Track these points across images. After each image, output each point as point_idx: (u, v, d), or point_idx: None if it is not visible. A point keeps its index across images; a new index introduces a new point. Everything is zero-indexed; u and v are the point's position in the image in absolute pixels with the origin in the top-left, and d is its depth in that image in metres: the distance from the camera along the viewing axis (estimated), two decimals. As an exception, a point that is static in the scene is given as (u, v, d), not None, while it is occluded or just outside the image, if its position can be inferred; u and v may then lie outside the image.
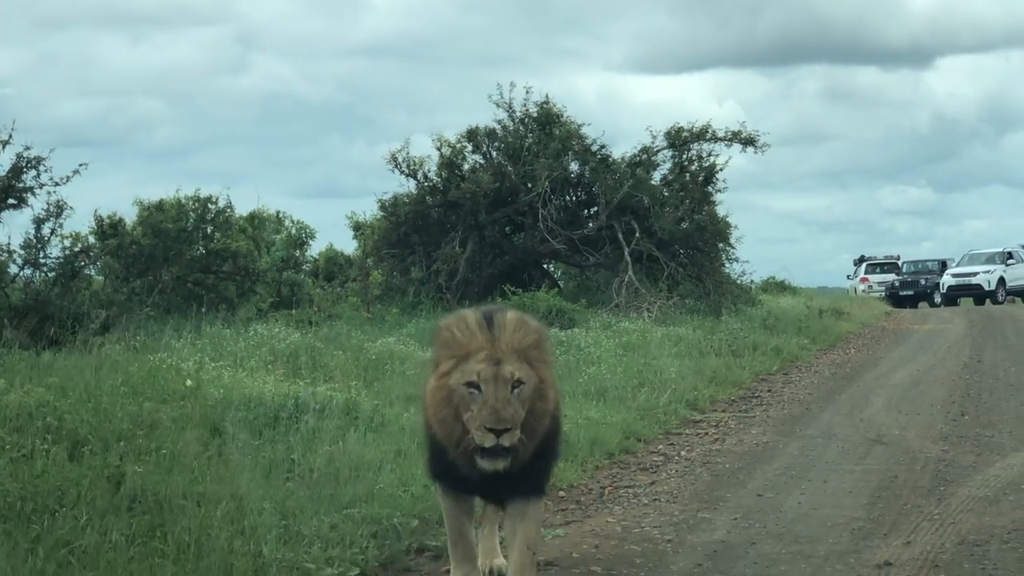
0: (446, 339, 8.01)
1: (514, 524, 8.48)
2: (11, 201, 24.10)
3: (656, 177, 39.16)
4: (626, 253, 36.01)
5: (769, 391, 23.66)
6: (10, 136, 23.82)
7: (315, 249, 40.45)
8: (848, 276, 73.56)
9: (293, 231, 40.10)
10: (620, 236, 36.44)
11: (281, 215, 39.33)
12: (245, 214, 34.54)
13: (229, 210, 32.56)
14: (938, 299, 60.97)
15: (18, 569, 8.58)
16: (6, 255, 25.60)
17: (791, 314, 38.24)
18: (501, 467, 7.70)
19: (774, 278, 55.65)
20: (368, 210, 43.92)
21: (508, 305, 9.28)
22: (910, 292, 62.60)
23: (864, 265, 71.35)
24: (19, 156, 23.91)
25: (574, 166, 38.41)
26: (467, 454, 7.79)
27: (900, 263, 69.36)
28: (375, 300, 33.91)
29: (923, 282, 63.25)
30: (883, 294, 63.13)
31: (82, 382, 15.75)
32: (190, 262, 31.16)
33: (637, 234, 36.29)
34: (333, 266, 39.74)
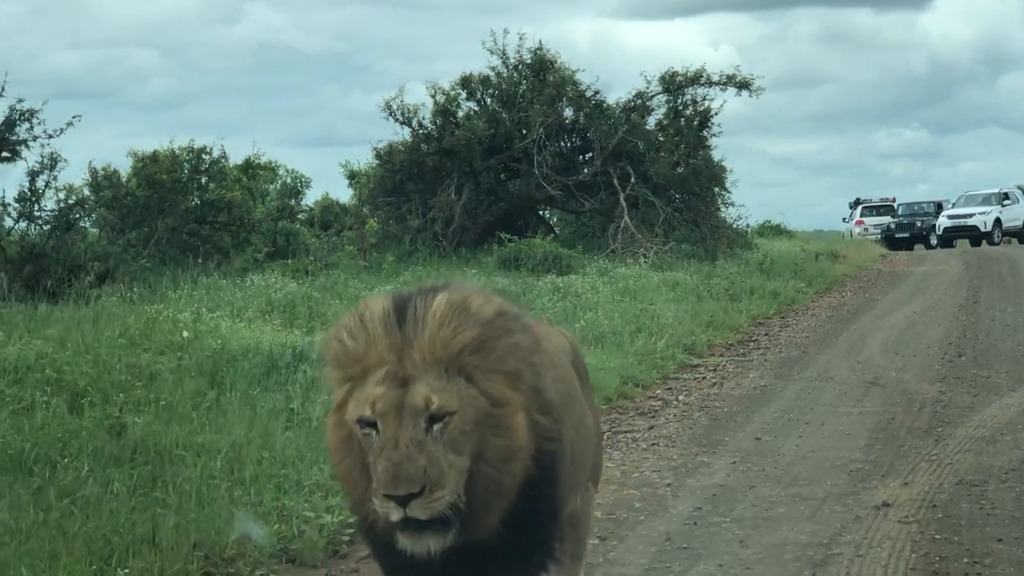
0: (336, 351, 5.09)
1: None
2: (5, 154, 24.06)
3: (651, 122, 39.12)
4: (622, 199, 35.98)
5: (766, 335, 23.70)
6: (2, 89, 23.77)
7: (310, 198, 40.49)
8: (844, 219, 73.50)
9: (288, 180, 40.08)
10: (615, 182, 36.41)
11: (275, 164, 39.26)
12: (239, 162, 34.35)
13: (223, 160, 32.49)
14: (934, 241, 60.91)
15: (21, 520, 8.62)
16: (1, 208, 25.58)
17: (787, 258, 38.25)
18: (433, 548, 4.92)
19: (770, 222, 55.71)
20: (363, 159, 44.00)
21: (457, 283, 5.46)
22: (906, 234, 62.53)
23: (860, 208, 71.24)
24: (12, 109, 23.90)
25: (568, 112, 38.35)
26: (388, 527, 4.96)
27: (896, 205, 69.25)
28: (371, 248, 33.90)
29: (919, 224, 63.16)
30: (879, 236, 63.04)
31: (80, 334, 15.78)
32: (185, 213, 31.09)
33: (632, 179, 36.25)
34: (329, 215, 39.71)
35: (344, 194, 42.45)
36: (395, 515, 4.77)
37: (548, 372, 5.36)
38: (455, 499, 4.83)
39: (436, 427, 4.76)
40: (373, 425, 4.82)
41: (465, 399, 4.84)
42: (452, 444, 4.80)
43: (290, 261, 29.54)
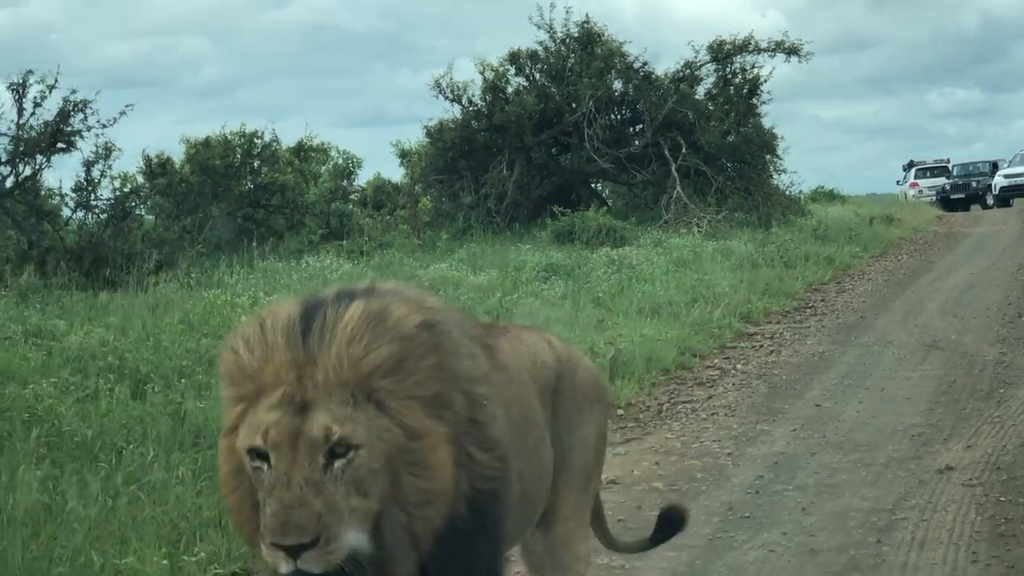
0: (229, 365, 4.33)
1: None
2: (60, 145, 24.24)
3: (700, 92, 38.95)
4: (673, 169, 35.88)
5: (823, 301, 23.62)
6: (56, 80, 23.93)
7: (362, 178, 40.50)
8: (898, 182, 73.05)
9: (340, 161, 40.13)
10: (666, 152, 36.32)
11: (327, 146, 39.31)
12: (291, 145, 34.48)
13: (275, 144, 32.60)
14: (990, 201, 60.37)
15: (90, 507, 8.72)
16: (58, 198, 25.82)
17: (841, 223, 38.06)
18: None
19: (823, 187, 55.36)
20: (414, 137, 43.99)
21: (392, 285, 4.71)
22: (961, 195, 62.02)
23: (914, 170, 70.75)
24: (66, 100, 24.04)
25: (617, 84, 38.26)
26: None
27: (950, 166, 68.72)
28: (425, 227, 33.94)
29: (974, 184, 62.61)
30: (934, 198, 62.63)
31: (140, 321, 15.93)
32: (239, 197, 31.22)
33: (683, 149, 36.15)
34: (381, 195, 39.73)
35: (396, 173, 42.45)
36: (284, 567, 4.05)
37: (494, 403, 4.60)
38: (358, 550, 4.13)
39: (337, 464, 4.05)
40: (265, 457, 4.10)
41: (375, 430, 4.10)
42: (356, 484, 4.08)
43: (344, 242, 29.62)
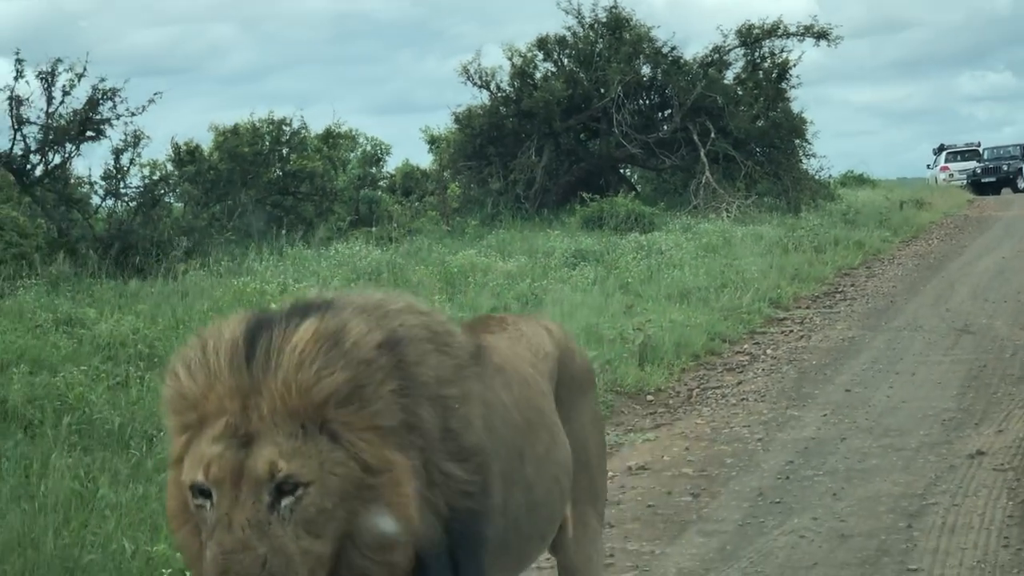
0: (171, 392, 3.92)
1: None
2: (89, 133, 24.30)
3: (729, 76, 38.87)
4: (702, 154, 35.83)
5: (852, 285, 23.56)
6: (85, 69, 23.99)
7: (391, 165, 40.51)
8: (928, 166, 72.65)
9: (368, 148, 40.15)
10: (695, 137, 36.25)
11: (355, 133, 39.32)
12: (320, 132, 34.55)
13: (304, 131, 32.65)
14: (1022, 184, 60.12)
15: (121, 494, 8.75)
16: (88, 187, 25.90)
17: (871, 207, 37.97)
18: None
19: (852, 172, 55.24)
20: (442, 123, 43.97)
21: (355, 297, 4.22)
22: (992, 179, 61.74)
23: (944, 154, 70.39)
24: (95, 88, 24.08)
25: (646, 69, 38.18)
26: None
27: (981, 150, 68.36)
28: (454, 213, 33.95)
29: (1005, 168, 62.30)
30: (964, 182, 62.31)
31: (170, 309, 15.99)
32: (267, 185, 31.26)
33: (712, 135, 36.08)
34: (410, 181, 39.73)
35: (424, 160, 42.43)
36: None
37: (470, 403, 4.19)
38: None
39: (284, 503, 3.63)
40: (207, 495, 3.69)
41: (328, 465, 3.67)
42: (307, 525, 3.65)
43: (373, 229, 29.64)
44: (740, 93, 38.16)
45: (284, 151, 32.36)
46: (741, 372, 15.36)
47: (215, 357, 3.80)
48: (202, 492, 3.69)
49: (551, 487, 4.90)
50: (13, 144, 23.77)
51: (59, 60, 23.96)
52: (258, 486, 3.62)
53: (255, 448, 3.65)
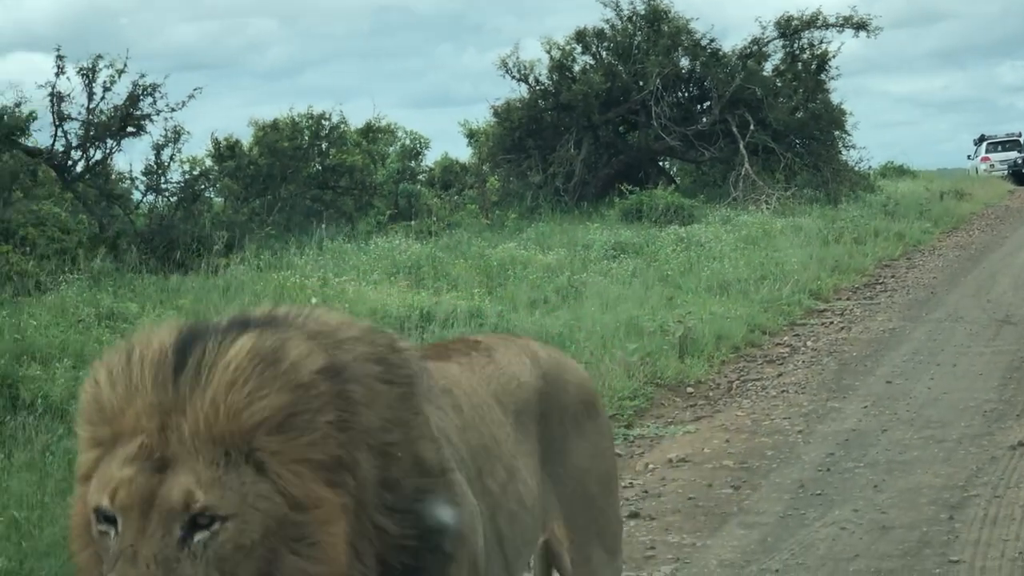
0: (87, 400, 3.49)
1: None
2: (130, 129, 24.45)
3: (768, 68, 38.83)
4: (741, 146, 35.76)
5: (893, 277, 23.48)
6: (125, 64, 24.13)
7: (430, 159, 40.57)
8: (968, 156, 72.22)
9: (407, 142, 40.20)
10: (734, 129, 36.19)
11: (394, 126, 39.38)
12: (360, 126, 34.67)
13: (343, 125, 32.76)
14: (1063, 175, 59.77)
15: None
16: (129, 182, 26.06)
17: (911, 198, 37.83)
18: None
19: (892, 163, 55.03)
20: (481, 117, 44.00)
21: (300, 312, 3.78)
22: (1034, 169, 61.38)
23: (985, 144, 69.94)
24: (135, 84, 24.24)
25: (684, 62, 38.15)
26: None
27: (1022, 140, 67.96)
28: (493, 206, 33.97)
29: (1047, 158, 61.96)
30: (1005, 173, 61.94)
31: (211, 304, 16.06)
32: (307, 179, 31.37)
33: (751, 126, 36.01)
34: (449, 175, 39.75)
35: (463, 153, 42.44)
36: None
37: (425, 426, 3.80)
38: None
39: (198, 537, 3.21)
40: (112, 521, 3.26)
41: (250, 498, 3.26)
42: (221, 564, 3.23)
43: (413, 222, 29.69)
44: (779, 85, 38.12)
45: (323, 145, 32.47)
46: (781, 364, 15.33)
47: (139, 367, 3.39)
48: (107, 518, 3.27)
49: (512, 522, 4.45)
50: (55, 140, 23.98)
51: (100, 56, 24.19)
52: (170, 517, 3.21)
53: (170, 474, 3.24)
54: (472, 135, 41.46)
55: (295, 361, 3.37)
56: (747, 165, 35.24)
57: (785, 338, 17.11)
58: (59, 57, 23.72)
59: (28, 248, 20.77)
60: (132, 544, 3.18)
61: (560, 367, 5.09)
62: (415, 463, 3.68)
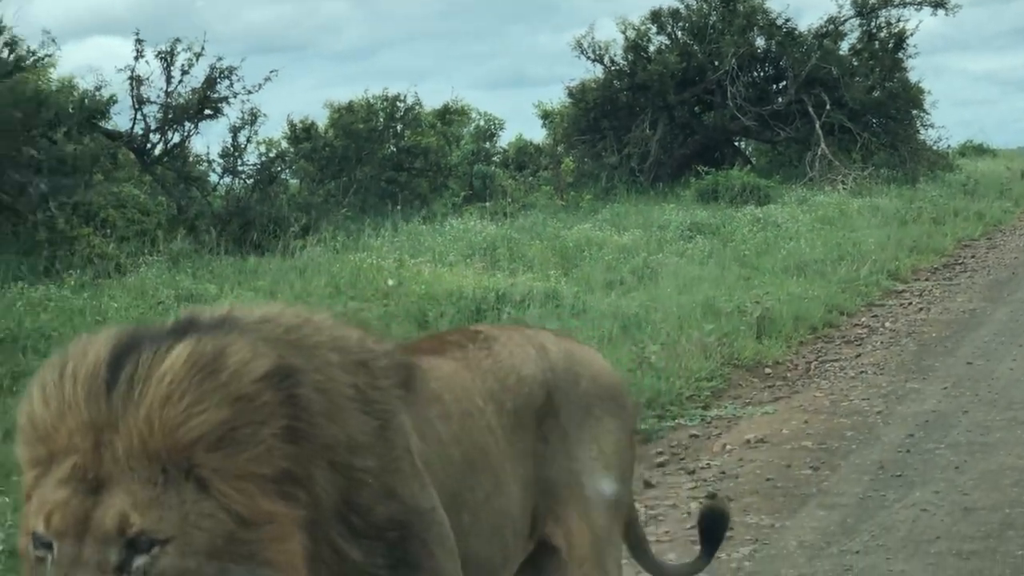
0: (24, 417, 3.26)
1: None
2: (207, 112, 24.62)
3: (844, 47, 38.50)
4: (817, 126, 35.53)
5: (973, 257, 23.26)
6: (202, 48, 24.29)
7: (504, 140, 40.60)
8: (1049, 135, 71.46)
9: (481, 123, 40.23)
10: (810, 109, 35.96)
11: (468, 108, 39.45)
12: (436, 108, 34.81)
13: (418, 107, 32.88)
14: None
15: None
16: (206, 164, 26.26)
17: (991, 178, 37.45)
18: None
19: (971, 141, 54.46)
20: (556, 98, 43.93)
21: (263, 308, 3.59)
22: (1115, 148, 60.70)
23: (1066, 123, 69.23)
24: (212, 67, 24.38)
25: (760, 41, 37.95)
26: None
27: (1103, 118, 67.22)
28: (568, 187, 33.94)
29: None
30: (1088, 151, 61.28)
31: (288, 285, 16.16)
32: (382, 161, 31.50)
33: (828, 106, 35.76)
34: (523, 156, 39.74)
35: (537, 134, 42.42)
36: None
37: (395, 474, 3.56)
38: None
39: (137, 563, 2.98)
40: (49, 547, 3.05)
41: (192, 518, 3.03)
42: None
43: (488, 204, 29.71)
44: (856, 64, 37.81)
45: (398, 127, 32.57)
46: (860, 345, 15.22)
47: (72, 383, 3.14)
48: (44, 543, 3.06)
49: (490, 539, 4.27)
50: (134, 123, 24.18)
51: (178, 40, 24.34)
52: (105, 542, 2.98)
53: (105, 496, 3.02)
54: (547, 116, 41.41)
55: (236, 370, 3.13)
56: (823, 145, 35.02)
57: (863, 319, 16.99)
58: (138, 41, 23.91)
59: (108, 230, 20.97)
60: (67, 572, 2.98)
61: (572, 359, 4.85)
62: (388, 494, 3.49)
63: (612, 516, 4.83)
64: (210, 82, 24.35)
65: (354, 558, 3.33)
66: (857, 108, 36.26)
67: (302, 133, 31.70)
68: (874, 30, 38.51)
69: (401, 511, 3.50)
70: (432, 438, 3.92)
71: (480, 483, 4.19)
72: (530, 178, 35.71)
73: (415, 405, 3.83)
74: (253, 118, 25.38)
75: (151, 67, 24.10)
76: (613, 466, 4.82)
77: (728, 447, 10.64)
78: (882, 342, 15.31)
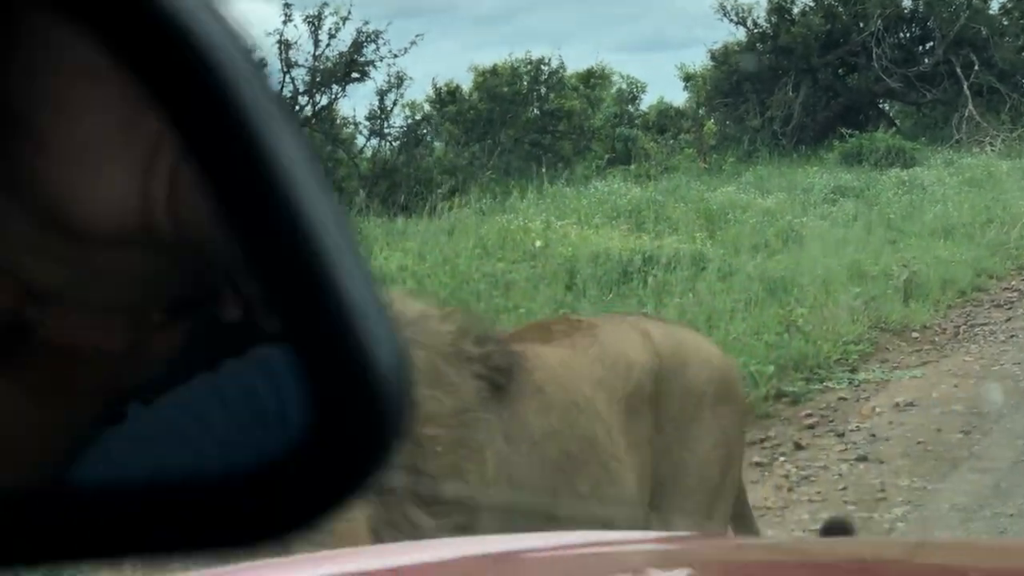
0: None
1: None
2: (354, 75, 24.95)
3: (994, 6, 37.89)
4: (965, 87, 35.04)
5: None
6: (349, 12, 24.61)
7: (645, 103, 40.55)
8: None
9: (623, 86, 40.21)
10: (958, 70, 35.46)
11: (609, 71, 39.45)
12: (579, 72, 34.91)
13: (561, 70, 32.99)
14: None
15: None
16: (353, 127, 26.61)
17: None
18: None
19: None
20: (697, 60, 43.80)
21: None
22: None
23: None
24: (359, 31, 24.71)
25: (907, 2, 37.49)
26: None
27: None
28: (710, 150, 33.89)
29: None
30: None
31: (437, 246, 16.36)
32: (526, 124, 31.65)
33: (976, 67, 35.24)
34: (665, 119, 39.67)
35: (678, 97, 42.32)
36: None
37: (466, 454, 3.62)
38: None
39: None
40: None
41: None
42: None
43: (631, 166, 29.77)
44: (1006, 23, 37.22)
45: (542, 90, 32.69)
46: (1010, 308, 15.09)
47: None
48: None
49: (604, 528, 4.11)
50: (282, 87, 24.52)
51: (325, 3, 24.71)
52: None
53: None
54: (688, 79, 41.30)
55: None
56: (971, 106, 34.53)
57: (1013, 282, 16.82)
58: (286, 5, 24.31)
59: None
60: None
61: (679, 345, 4.79)
62: (454, 471, 3.50)
63: (723, 501, 4.82)
64: (357, 46, 24.69)
65: (426, 524, 3.37)
66: (1007, 69, 35.70)
67: (447, 96, 31.95)
68: (1025, -11, 37.91)
69: (462, 497, 3.52)
70: (522, 439, 3.94)
71: (584, 475, 4.16)
72: (671, 141, 35.68)
73: (510, 405, 3.86)
74: (399, 81, 25.75)
75: (299, 31, 24.55)
76: (724, 451, 4.79)
77: (878, 410, 10.65)
78: (1033, 306, 15.19)
